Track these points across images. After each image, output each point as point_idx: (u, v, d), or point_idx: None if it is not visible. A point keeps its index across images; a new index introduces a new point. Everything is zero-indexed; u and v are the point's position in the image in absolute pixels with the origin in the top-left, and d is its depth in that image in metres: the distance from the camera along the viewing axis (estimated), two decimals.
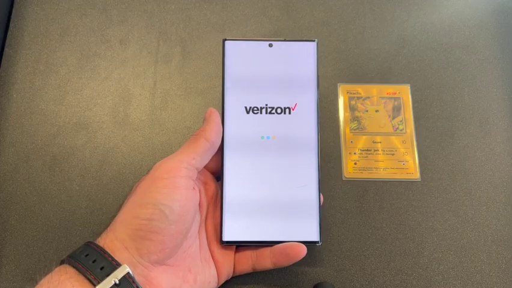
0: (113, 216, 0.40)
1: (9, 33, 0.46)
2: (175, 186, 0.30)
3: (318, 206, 0.35)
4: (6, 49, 0.45)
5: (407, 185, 0.42)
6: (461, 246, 0.40)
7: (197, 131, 0.34)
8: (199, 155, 0.32)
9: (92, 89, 0.44)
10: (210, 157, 0.34)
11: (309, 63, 0.37)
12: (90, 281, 0.27)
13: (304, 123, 0.36)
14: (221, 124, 0.35)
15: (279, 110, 0.36)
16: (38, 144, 0.42)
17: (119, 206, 0.34)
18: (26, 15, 0.47)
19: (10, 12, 0.47)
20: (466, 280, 0.38)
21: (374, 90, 0.45)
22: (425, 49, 0.47)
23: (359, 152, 0.43)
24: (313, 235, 0.35)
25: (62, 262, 0.30)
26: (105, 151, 0.42)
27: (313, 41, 0.37)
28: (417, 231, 0.40)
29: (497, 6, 0.49)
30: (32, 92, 0.44)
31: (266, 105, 0.36)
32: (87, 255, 0.29)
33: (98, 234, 0.31)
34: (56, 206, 0.40)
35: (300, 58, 0.37)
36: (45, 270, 0.29)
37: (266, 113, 0.36)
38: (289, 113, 0.36)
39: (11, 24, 0.46)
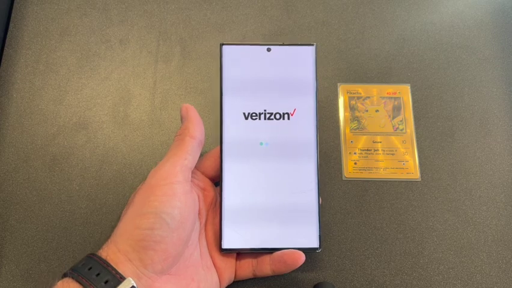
0: (113, 217, 0.40)
1: (9, 33, 0.46)
2: (173, 193, 0.30)
3: (317, 212, 0.35)
4: (6, 49, 0.45)
5: (407, 184, 0.42)
6: (461, 246, 0.40)
7: (179, 131, 0.33)
8: (189, 154, 0.32)
9: (92, 89, 0.44)
10: (199, 153, 0.34)
11: (308, 68, 0.36)
12: None
13: (303, 129, 0.36)
14: (200, 118, 0.35)
15: (277, 116, 0.36)
16: (38, 144, 0.42)
17: (118, 217, 0.34)
18: (25, 15, 0.47)
19: (10, 12, 0.47)
20: (466, 280, 0.38)
21: (374, 90, 0.45)
22: (425, 49, 0.47)
23: (359, 151, 0.43)
24: (313, 242, 0.35)
25: (64, 275, 0.29)
26: (105, 151, 0.42)
27: (312, 45, 0.37)
28: (418, 231, 0.40)
29: (497, 6, 0.49)
30: (32, 92, 0.44)
31: (265, 110, 0.36)
32: (90, 268, 0.28)
33: (98, 234, 0.31)
34: (56, 205, 0.40)
35: (299, 62, 0.36)
36: (48, 285, 0.29)
37: (265, 118, 0.36)
38: (288, 118, 0.36)
39: (11, 24, 0.46)
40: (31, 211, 0.40)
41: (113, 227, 0.39)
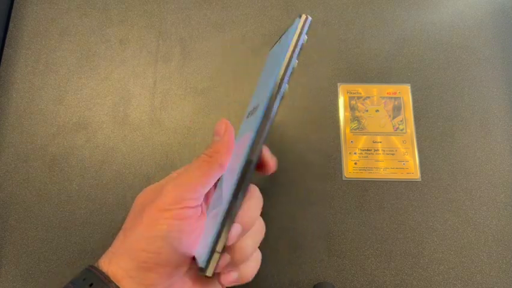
0: (113, 217, 0.40)
1: (8, 33, 0.46)
2: (184, 217, 0.29)
3: (215, 234, 0.27)
4: (5, 49, 0.45)
5: (407, 185, 0.42)
6: (461, 246, 0.39)
7: (210, 152, 0.31)
8: (212, 181, 0.30)
9: (92, 89, 0.44)
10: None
11: (287, 47, 0.28)
12: None
13: (251, 127, 0.28)
14: (234, 143, 0.31)
15: (253, 112, 0.31)
16: (38, 144, 0.42)
17: (122, 219, 0.33)
18: (25, 15, 0.47)
19: (10, 12, 0.47)
20: (467, 280, 0.38)
21: (374, 90, 0.45)
22: (425, 49, 0.47)
23: (359, 151, 0.43)
24: (203, 262, 0.27)
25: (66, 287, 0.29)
26: (105, 151, 0.42)
27: (300, 16, 0.28)
28: (418, 231, 0.40)
29: (497, 6, 0.49)
30: (31, 92, 0.44)
31: (254, 107, 0.31)
32: (91, 284, 0.28)
33: (98, 234, 0.31)
34: (56, 206, 0.40)
35: (286, 43, 0.29)
36: None
37: (247, 116, 0.32)
38: (253, 114, 0.30)
39: (11, 24, 0.46)
40: (31, 211, 0.40)
41: (113, 228, 0.39)
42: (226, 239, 0.27)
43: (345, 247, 0.39)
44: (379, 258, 0.39)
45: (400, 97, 0.45)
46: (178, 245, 0.28)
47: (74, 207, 0.40)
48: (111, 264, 0.29)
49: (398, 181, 0.42)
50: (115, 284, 0.28)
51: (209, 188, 0.31)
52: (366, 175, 0.42)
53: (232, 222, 0.27)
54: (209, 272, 0.27)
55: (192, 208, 0.30)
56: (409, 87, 0.45)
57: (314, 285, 0.36)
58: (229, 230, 0.27)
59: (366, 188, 0.41)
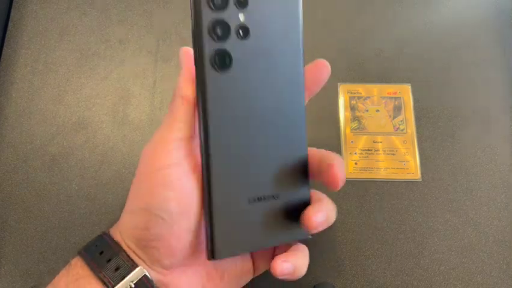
0: (113, 217, 0.40)
1: (8, 32, 0.46)
2: (165, 182, 0.25)
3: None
4: (5, 48, 0.45)
5: (407, 185, 0.42)
6: (462, 246, 0.39)
7: (174, 91, 0.27)
8: (181, 122, 0.26)
9: (92, 89, 0.44)
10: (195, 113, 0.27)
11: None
12: (105, 283, 0.25)
13: None
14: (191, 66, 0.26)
15: None
16: (37, 144, 0.42)
17: (118, 217, 0.32)
18: (25, 14, 0.47)
19: (9, 12, 0.47)
20: (467, 281, 0.38)
21: (375, 90, 0.45)
22: (426, 49, 0.47)
23: (360, 152, 0.43)
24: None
25: (79, 253, 0.27)
26: (104, 151, 0.42)
27: None
28: (418, 231, 0.40)
29: (498, 6, 0.49)
30: (31, 92, 0.44)
31: None
32: (101, 252, 0.26)
33: (97, 234, 0.30)
34: (55, 206, 0.40)
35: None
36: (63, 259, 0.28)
37: None
38: None
39: (10, 24, 0.46)
40: (30, 211, 0.39)
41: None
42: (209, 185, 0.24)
43: (346, 247, 0.39)
44: (379, 258, 0.39)
45: (400, 97, 0.45)
46: (167, 215, 0.24)
47: (73, 207, 0.40)
48: (116, 236, 0.27)
49: (399, 181, 0.42)
50: (126, 252, 0.26)
51: (188, 131, 0.26)
52: (366, 175, 0.42)
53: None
54: (210, 255, 0.25)
55: (174, 166, 0.25)
56: (409, 87, 0.45)
57: (314, 286, 0.36)
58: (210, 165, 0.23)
59: (366, 188, 0.41)
